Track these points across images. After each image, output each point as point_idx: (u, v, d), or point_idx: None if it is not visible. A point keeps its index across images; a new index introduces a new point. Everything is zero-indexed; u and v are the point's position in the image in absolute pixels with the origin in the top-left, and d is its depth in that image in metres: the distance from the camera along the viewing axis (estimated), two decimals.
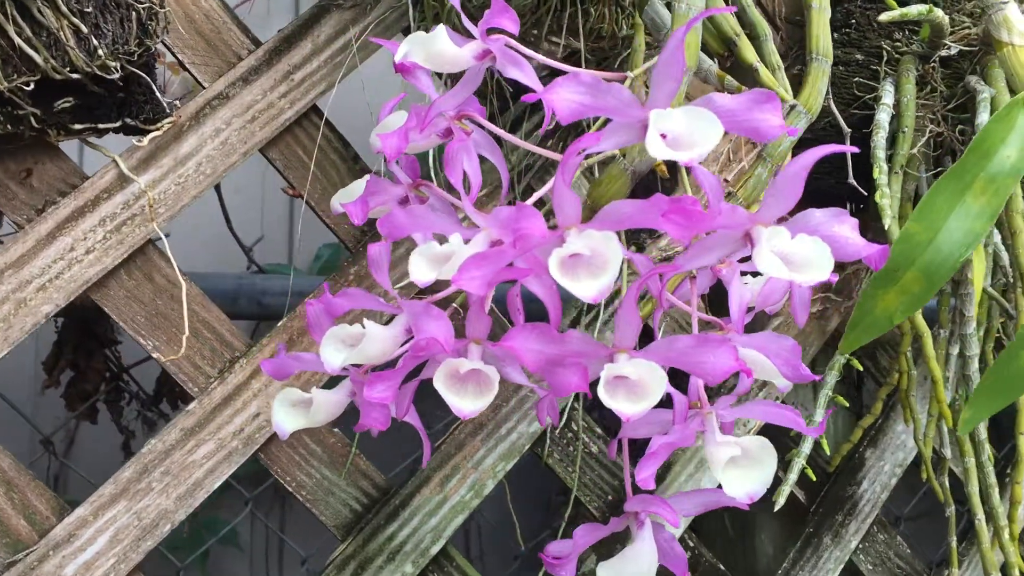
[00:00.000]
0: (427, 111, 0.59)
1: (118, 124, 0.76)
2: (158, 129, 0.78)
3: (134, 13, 0.72)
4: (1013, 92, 0.57)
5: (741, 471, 0.55)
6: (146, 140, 0.78)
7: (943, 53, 0.99)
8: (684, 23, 0.59)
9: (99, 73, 0.71)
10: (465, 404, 0.51)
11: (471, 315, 0.54)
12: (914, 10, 0.91)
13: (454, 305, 0.60)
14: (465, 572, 0.88)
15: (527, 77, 0.56)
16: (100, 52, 0.70)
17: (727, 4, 0.71)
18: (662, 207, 0.48)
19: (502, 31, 0.54)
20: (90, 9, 0.69)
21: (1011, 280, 0.94)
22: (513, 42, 0.57)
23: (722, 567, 1.01)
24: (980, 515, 0.95)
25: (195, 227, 1.32)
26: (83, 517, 0.75)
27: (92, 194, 0.77)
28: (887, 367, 1.12)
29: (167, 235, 1.23)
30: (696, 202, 0.49)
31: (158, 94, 0.76)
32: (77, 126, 0.74)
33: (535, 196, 0.53)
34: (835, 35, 1.03)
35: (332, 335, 0.55)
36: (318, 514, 0.83)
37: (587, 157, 0.58)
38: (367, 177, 0.67)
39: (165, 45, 0.79)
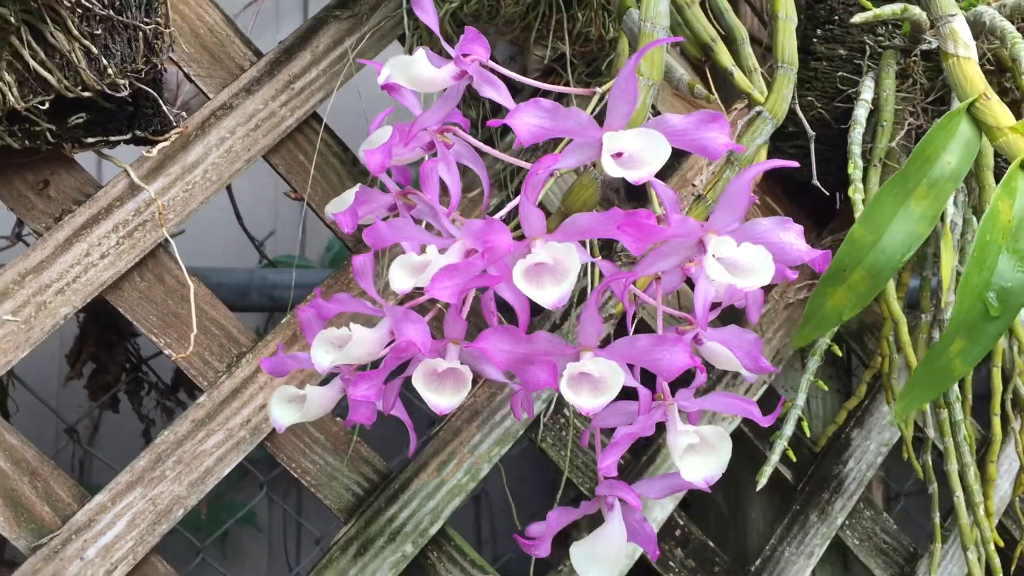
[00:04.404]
0: (410, 127, 0.64)
1: (129, 136, 0.81)
2: (166, 140, 0.83)
3: (141, 33, 0.76)
4: (959, 101, 0.61)
5: (699, 457, 0.59)
6: (155, 150, 0.83)
7: (924, 47, 1.02)
8: (648, 41, 0.63)
9: (108, 91, 0.76)
10: (442, 400, 0.56)
11: (448, 318, 0.58)
12: (888, 10, 0.94)
13: (438, 307, 0.64)
14: (463, 551, 0.93)
15: (501, 96, 0.60)
16: (109, 71, 0.75)
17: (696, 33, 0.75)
18: (618, 220, 0.53)
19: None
20: (99, 31, 0.74)
21: None
22: (490, 62, 0.61)
23: (711, 543, 1.06)
24: (959, 492, 0.99)
25: (210, 224, 1.37)
26: (102, 503, 0.81)
27: (105, 202, 0.82)
28: (874, 350, 1.16)
29: (181, 232, 1.28)
30: (651, 215, 0.53)
31: (165, 108, 0.81)
32: (90, 139, 0.80)
33: (504, 210, 0.57)
34: (819, 31, 1.06)
35: (322, 337, 0.60)
36: (322, 498, 0.89)
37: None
38: (357, 186, 0.72)
39: (172, 60, 0.84)
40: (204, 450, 0.84)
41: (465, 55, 0.59)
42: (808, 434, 1.00)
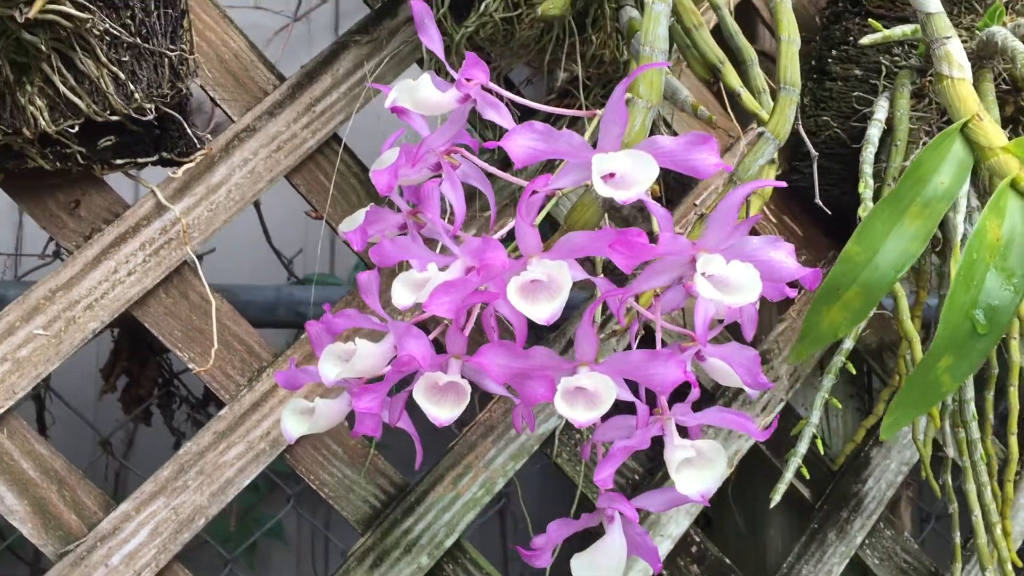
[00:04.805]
0: (417, 149, 0.66)
1: (155, 158, 0.85)
2: (191, 161, 0.87)
3: (166, 60, 0.80)
4: (953, 121, 0.62)
5: (695, 471, 0.61)
6: (180, 171, 0.86)
7: None
8: (646, 63, 0.65)
9: (135, 115, 0.79)
10: (442, 413, 0.58)
11: (449, 334, 0.60)
12: (898, 31, 0.96)
13: (445, 323, 0.66)
14: (478, 563, 0.95)
15: (502, 118, 0.62)
16: (136, 96, 0.78)
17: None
18: (610, 238, 0.54)
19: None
20: (127, 58, 0.78)
21: None
22: (492, 85, 0.63)
23: (727, 560, 1.06)
24: (977, 512, 0.99)
25: (241, 242, 1.41)
26: (127, 512, 0.83)
27: (133, 221, 0.85)
28: (893, 368, 1.16)
29: (212, 251, 1.32)
30: (641, 234, 0.55)
31: (190, 131, 0.84)
32: (119, 161, 0.83)
33: (503, 230, 0.59)
34: (834, 52, 1.08)
35: (330, 351, 0.62)
36: (340, 509, 0.91)
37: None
38: (370, 206, 0.74)
39: (198, 84, 0.87)
40: (225, 461, 0.86)
41: (468, 79, 0.62)
42: (823, 452, 1.00)
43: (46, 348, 0.82)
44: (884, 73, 1.05)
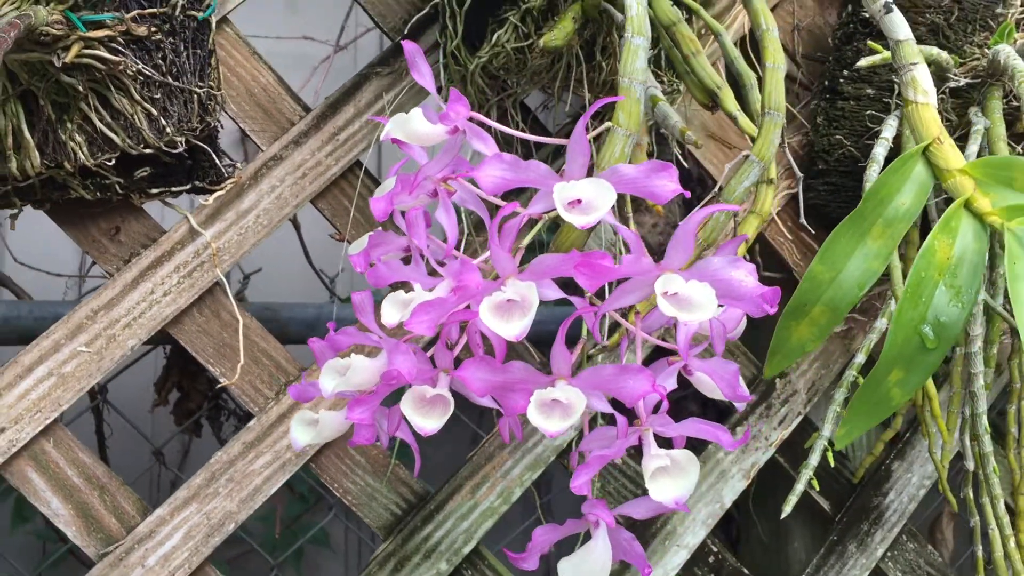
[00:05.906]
0: (414, 177, 0.71)
1: (188, 187, 0.91)
2: (222, 189, 0.93)
3: (195, 96, 0.86)
4: (915, 144, 0.65)
5: (670, 479, 0.64)
6: (211, 199, 0.93)
7: (952, 84, 1.04)
8: (626, 96, 0.69)
9: (167, 148, 0.85)
10: (428, 423, 0.62)
11: (437, 350, 0.65)
12: None
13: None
14: (496, 570, 0.99)
15: (488, 148, 0.67)
16: (168, 130, 0.85)
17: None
18: (575, 260, 0.58)
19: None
20: (158, 95, 0.84)
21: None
22: (479, 116, 0.68)
23: (745, 571, 1.08)
24: (993, 524, 1.00)
25: (287, 263, 1.48)
26: (162, 516, 0.90)
27: (168, 246, 0.92)
28: None
29: (259, 271, 1.39)
30: (605, 256, 0.59)
31: (218, 162, 0.90)
32: (154, 190, 0.90)
33: (480, 258, 0.64)
34: (846, 72, 1.10)
35: (330, 366, 0.67)
36: (363, 516, 0.96)
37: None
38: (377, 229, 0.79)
39: (230, 117, 0.93)
40: (253, 470, 0.92)
41: (456, 113, 0.66)
42: (832, 464, 1.01)
43: (88, 364, 0.88)
44: (896, 92, 1.07)
